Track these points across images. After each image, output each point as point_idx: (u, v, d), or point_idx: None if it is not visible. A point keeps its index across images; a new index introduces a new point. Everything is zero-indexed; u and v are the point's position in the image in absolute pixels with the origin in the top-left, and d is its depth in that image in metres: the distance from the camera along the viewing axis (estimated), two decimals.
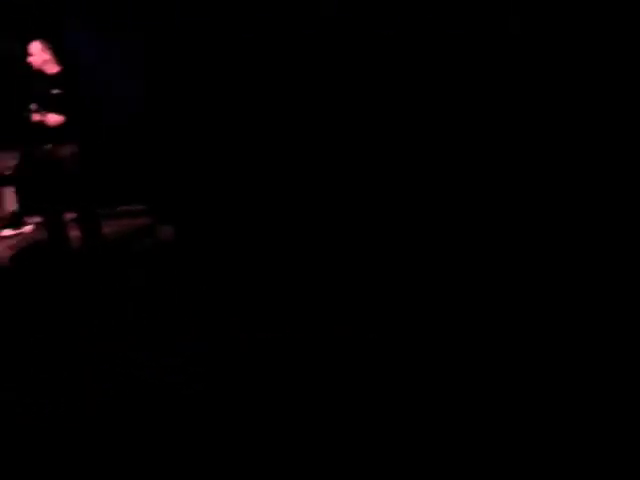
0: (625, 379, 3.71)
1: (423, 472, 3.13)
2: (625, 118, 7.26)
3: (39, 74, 6.46)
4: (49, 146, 6.42)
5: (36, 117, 6.36)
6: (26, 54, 6.44)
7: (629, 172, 6.98)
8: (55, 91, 6.39)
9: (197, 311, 5.15)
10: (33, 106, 6.36)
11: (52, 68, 6.48)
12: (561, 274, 5.31)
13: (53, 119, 6.35)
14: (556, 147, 7.42)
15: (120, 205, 8.68)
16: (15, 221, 8.21)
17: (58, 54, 6.50)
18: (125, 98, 8.57)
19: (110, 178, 8.25)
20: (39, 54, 6.44)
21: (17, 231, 8.15)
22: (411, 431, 3.42)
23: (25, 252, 6.39)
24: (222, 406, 3.76)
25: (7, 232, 8.16)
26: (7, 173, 8.13)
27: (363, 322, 4.71)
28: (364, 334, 4.50)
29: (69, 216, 6.64)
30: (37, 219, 8.37)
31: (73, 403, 3.89)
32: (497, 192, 7.39)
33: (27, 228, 8.25)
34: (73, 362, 4.45)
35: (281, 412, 3.65)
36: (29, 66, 6.44)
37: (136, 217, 8.18)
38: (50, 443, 3.52)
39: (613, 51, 7.43)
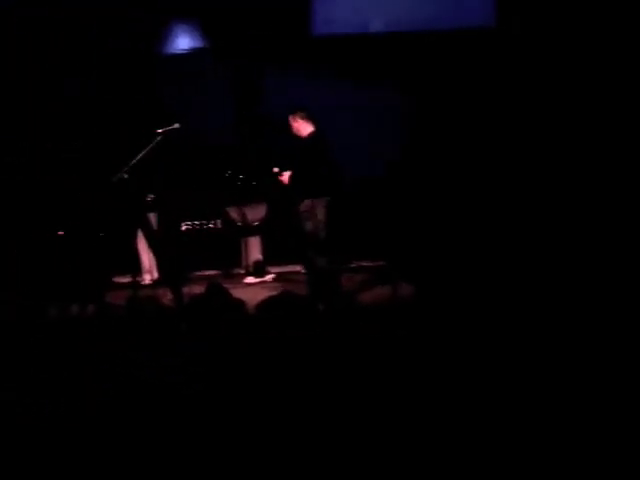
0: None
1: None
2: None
3: (297, 138, 7.25)
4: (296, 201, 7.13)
5: (281, 177, 7.31)
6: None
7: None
8: (301, 154, 7.19)
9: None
10: (276, 168, 7.41)
11: (304, 132, 7.20)
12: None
13: (286, 179, 7.26)
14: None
15: (357, 260, 8.87)
16: (259, 270, 8.58)
17: (311, 118, 7.21)
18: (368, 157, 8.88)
19: (349, 233, 8.49)
20: (292, 122, 7.22)
21: (259, 279, 8.52)
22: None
23: (272, 301, 6.64)
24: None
25: (250, 280, 8.55)
26: (255, 224, 8.54)
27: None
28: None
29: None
30: (278, 269, 8.75)
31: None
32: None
33: (269, 277, 8.60)
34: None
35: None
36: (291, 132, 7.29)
37: (373, 273, 8.30)
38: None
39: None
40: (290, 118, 7.21)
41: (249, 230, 8.64)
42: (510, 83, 8.81)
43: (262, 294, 7.18)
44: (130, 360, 4.64)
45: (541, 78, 8.70)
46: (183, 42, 9.51)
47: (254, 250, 8.67)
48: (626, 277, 5.85)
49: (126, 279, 8.05)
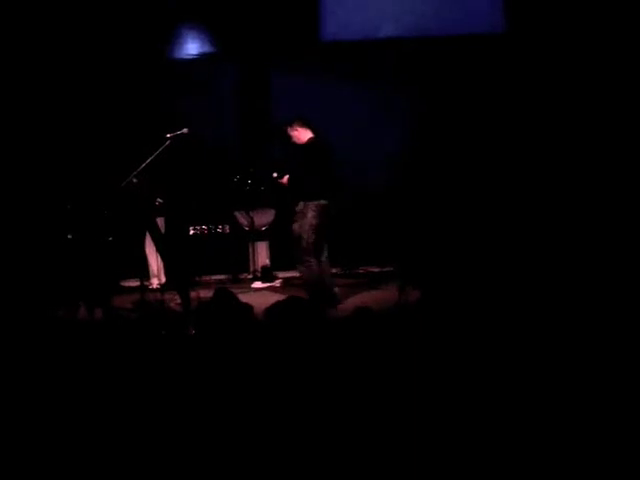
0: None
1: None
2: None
3: (294, 145, 7.32)
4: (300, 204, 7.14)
5: (281, 181, 7.38)
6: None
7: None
8: (301, 159, 7.27)
9: None
10: (274, 174, 7.48)
11: (304, 138, 7.25)
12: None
13: (285, 181, 7.37)
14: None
15: (362, 266, 8.88)
16: (266, 274, 8.60)
17: (309, 125, 7.27)
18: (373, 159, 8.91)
19: (356, 238, 8.50)
20: (291, 132, 7.26)
21: (267, 284, 8.53)
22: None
23: (280, 305, 6.63)
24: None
25: (258, 284, 8.57)
26: (263, 229, 8.57)
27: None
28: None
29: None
30: (286, 274, 8.76)
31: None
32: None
33: (277, 282, 8.61)
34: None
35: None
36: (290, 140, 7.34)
37: (378, 278, 8.31)
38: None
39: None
40: (288, 129, 7.26)
41: (257, 235, 8.66)
42: (518, 88, 8.83)
43: (270, 299, 7.18)
44: (136, 364, 4.64)
45: (549, 83, 8.71)
46: (191, 46, 9.54)
47: (262, 255, 8.70)
48: (629, 278, 5.85)
49: (134, 283, 8.06)
